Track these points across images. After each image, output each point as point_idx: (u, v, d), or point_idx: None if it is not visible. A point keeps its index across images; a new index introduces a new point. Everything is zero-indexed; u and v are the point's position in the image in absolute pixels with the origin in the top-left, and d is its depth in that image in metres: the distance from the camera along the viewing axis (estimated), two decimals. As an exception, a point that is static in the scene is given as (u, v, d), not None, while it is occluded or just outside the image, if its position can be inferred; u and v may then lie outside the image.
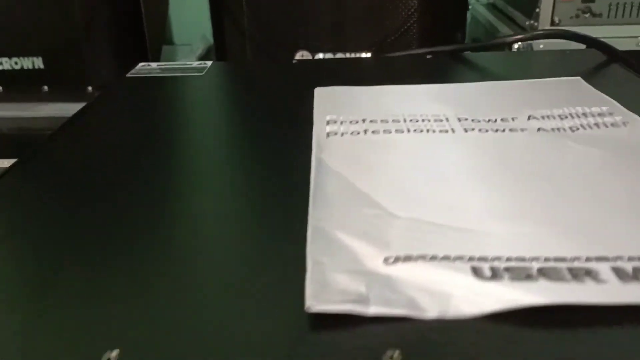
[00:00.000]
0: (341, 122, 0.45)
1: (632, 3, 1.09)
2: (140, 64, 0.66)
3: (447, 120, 0.45)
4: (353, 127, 0.44)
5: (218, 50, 1.07)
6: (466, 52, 0.63)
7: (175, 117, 0.50)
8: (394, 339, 0.23)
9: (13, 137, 1.19)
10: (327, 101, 0.50)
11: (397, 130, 0.43)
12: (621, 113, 0.44)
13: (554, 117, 0.44)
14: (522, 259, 0.27)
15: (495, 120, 0.44)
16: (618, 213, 0.31)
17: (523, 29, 1.05)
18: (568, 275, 0.25)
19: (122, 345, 0.23)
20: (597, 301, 0.24)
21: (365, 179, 0.36)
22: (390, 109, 0.47)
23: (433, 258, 0.27)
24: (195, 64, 0.65)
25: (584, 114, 0.44)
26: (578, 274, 0.25)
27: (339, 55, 0.89)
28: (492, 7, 1.31)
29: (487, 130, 0.42)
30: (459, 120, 0.45)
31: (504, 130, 0.42)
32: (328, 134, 0.43)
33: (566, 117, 0.44)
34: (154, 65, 0.65)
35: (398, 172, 0.37)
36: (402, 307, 0.24)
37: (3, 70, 1.18)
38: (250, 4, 1.02)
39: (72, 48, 1.15)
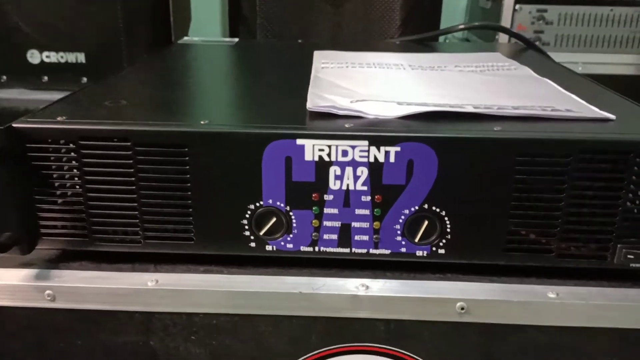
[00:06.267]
0: (331, 63, 0.68)
1: (574, 35, 1.34)
2: (185, 37, 0.89)
3: (402, 66, 0.68)
4: (339, 65, 0.67)
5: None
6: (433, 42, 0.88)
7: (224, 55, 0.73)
8: (354, 122, 0.45)
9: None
10: (322, 56, 0.73)
11: (367, 67, 0.66)
12: (517, 66, 0.67)
13: (471, 67, 0.67)
14: (426, 103, 0.49)
15: (433, 67, 0.67)
16: (490, 94, 0.53)
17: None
18: (447, 106, 0.48)
19: (210, 117, 0.46)
20: (455, 110, 0.46)
21: (344, 81, 0.58)
22: (365, 60, 0.70)
23: (376, 101, 0.50)
24: (227, 39, 0.89)
25: (492, 65, 0.68)
26: (453, 106, 0.48)
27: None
28: (466, 40, 1.56)
29: (426, 69, 0.65)
30: (410, 66, 0.68)
31: (437, 70, 0.65)
32: (322, 67, 0.66)
33: (479, 67, 0.67)
34: (195, 38, 0.89)
35: (365, 78, 0.60)
36: (358, 113, 0.47)
37: (50, 63, 1.39)
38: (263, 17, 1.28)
39: (112, 46, 1.36)
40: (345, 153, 0.43)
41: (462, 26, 0.86)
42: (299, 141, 0.43)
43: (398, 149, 0.43)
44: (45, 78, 1.39)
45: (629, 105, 0.52)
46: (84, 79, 1.39)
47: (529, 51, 0.83)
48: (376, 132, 0.43)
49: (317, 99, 0.50)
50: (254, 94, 0.58)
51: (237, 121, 0.48)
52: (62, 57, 1.40)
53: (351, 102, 0.49)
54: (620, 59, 1.34)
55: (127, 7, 1.31)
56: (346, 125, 0.44)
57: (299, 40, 0.90)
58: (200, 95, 0.56)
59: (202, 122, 0.45)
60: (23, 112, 1.53)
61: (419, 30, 1.32)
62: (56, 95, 1.45)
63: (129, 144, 0.44)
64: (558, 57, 1.31)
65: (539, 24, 1.34)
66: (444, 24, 1.44)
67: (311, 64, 0.68)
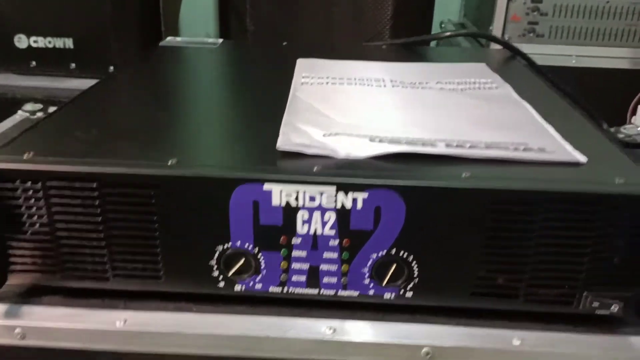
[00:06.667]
0: (311, 78, 0.67)
1: (568, 27, 1.32)
2: (169, 38, 0.88)
3: (383, 81, 0.67)
4: (319, 81, 0.66)
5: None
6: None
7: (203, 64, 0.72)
8: (323, 164, 0.45)
9: (43, 103, 1.37)
10: (304, 67, 0.71)
11: (348, 84, 0.65)
12: (499, 83, 0.66)
13: (453, 83, 0.66)
14: (399, 139, 0.48)
15: (414, 83, 0.66)
16: (466, 123, 0.53)
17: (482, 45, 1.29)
18: (420, 143, 0.47)
19: (178, 153, 0.45)
20: (426, 151, 0.46)
21: (322, 104, 0.58)
22: (347, 74, 0.69)
23: (349, 135, 0.49)
24: (210, 40, 0.87)
25: (474, 83, 0.67)
26: (425, 144, 0.47)
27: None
28: (461, 27, 1.54)
29: (407, 87, 0.65)
30: (391, 81, 0.67)
31: (418, 88, 0.65)
32: (302, 83, 0.65)
33: (461, 84, 0.66)
34: (178, 39, 0.87)
35: (343, 101, 0.59)
36: (329, 152, 0.46)
37: (38, 48, 1.37)
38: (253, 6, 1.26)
39: (100, 32, 1.33)
40: (312, 198, 0.43)
41: (448, 33, 0.84)
42: (266, 186, 0.43)
43: (365, 195, 0.43)
44: (34, 63, 1.37)
45: (601, 140, 0.52)
46: (72, 65, 1.37)
47: (516, 60, 0.82)
48: (344, 178, 0.43)
49: (289, 133, 0.49)
50: (226, 119, 0.57)
51: (205, 158, 0.47)
52: (49, 42, 1.37)
53: (324, 135, 0.49)
54: (614, 52, 1.32)
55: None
56: (314, 169, 0.44)
57: (284, 43, 0.88)
58: (171, 121, 0.55)
59: (169, 163, 0.44)
60: (10, 99, 1.50)
61: (411, 22, 1.30)
62: (44, 81, 1.42)
63: (94, 185, 0.43)
64: (552, 49, 1.30)
65: (534, 15, 1.31)
66: (437, 15, 1.42)
67: (292, 76, 0.67)
